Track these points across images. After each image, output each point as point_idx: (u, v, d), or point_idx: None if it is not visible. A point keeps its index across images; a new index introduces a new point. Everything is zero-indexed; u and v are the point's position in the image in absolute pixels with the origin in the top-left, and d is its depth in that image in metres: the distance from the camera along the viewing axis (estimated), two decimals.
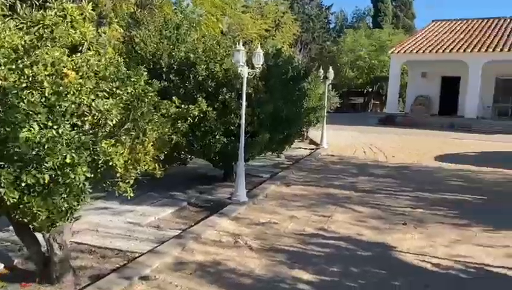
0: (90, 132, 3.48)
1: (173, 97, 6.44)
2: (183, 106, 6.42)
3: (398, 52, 21.59)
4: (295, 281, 3.86)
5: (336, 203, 6.50)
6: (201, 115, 6.40)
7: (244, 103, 6.26)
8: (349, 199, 6.88)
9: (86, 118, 3.32)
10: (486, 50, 19.30)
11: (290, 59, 7.76)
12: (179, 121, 6.42)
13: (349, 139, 15.21)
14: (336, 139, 14.71)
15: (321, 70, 12.38)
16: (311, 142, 14.03)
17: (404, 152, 12.16)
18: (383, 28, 34.06)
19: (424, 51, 20.74)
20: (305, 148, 12.69)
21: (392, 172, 9.28)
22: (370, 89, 36.77)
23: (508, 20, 23.26)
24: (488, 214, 6.15)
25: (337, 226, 5.41)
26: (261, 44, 8.18)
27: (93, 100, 3.35)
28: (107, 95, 3.54)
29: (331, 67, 12.69)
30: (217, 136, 6.52)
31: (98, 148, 3.34)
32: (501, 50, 18.99)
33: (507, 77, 21.45)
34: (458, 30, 23.29)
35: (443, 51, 20.22)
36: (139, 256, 4.34)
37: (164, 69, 6.75)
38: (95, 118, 3.38)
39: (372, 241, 4.89)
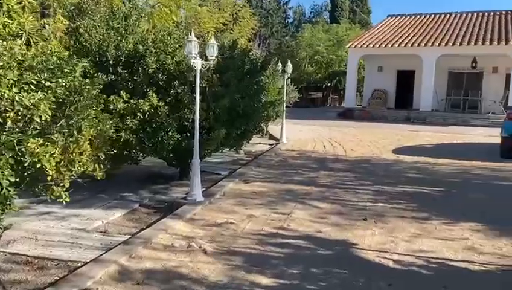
0: (17, 130, 3.05)
1: (121, 92, 6.04)
2: (132, 100, 6.01)
3: (355, 46, 21.81)
4: (253, 287, 3.59)
5: (296, 200, 6.30)
6: (152, 110, 6.01)
7: (197, 97, 5.91)
8: (309, 194, 6.70)
9: (7, 115, 2.88)
10: (439, 44, 19.83)
11: (246, 52, 7.46)
12: (128, 117, 6.00)
13: (309, 133, 15.15)
14: (295, 134, 14.60)
15: (279, 64, 12.17)
16: (271, 137, 13.83)
17: (363, 145, 12.20)
18: (340, 23, 34.48)
19: (380, 45, 21.05)
20: (265, 144, 12.47)
21: (352, 166, 9.21)
22: (329, 84, 37.14)
23: (459, 15, 24.06)
24: (447, 206, 6.14)
25: (297, 224, 5.19)
26: (216, 36, 7.85)
27: (16, 93, 2.92)
28: (34, 88, 3.11)
29: (289, 61, 12.51)
30: (170, 133, 6.14)
31: (24, 149, 2.92)
32: (453, 44, 19.56)
33: (459, 71, 22.18)
34: (412, 25, 23.83)
35: (398, 45, 20.60)
36: (82, 266, 3.93)
37: (111, 62, 6.27)
38: (20, 114, 2.95)
39: (333, 239, 4.70)
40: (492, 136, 14.76)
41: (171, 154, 6.71)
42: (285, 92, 12.46)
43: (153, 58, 6.19)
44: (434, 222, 5.34)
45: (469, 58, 20.76)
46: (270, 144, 12.43)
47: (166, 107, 6.05)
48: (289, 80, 14.59)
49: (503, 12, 23.13)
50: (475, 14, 23.72)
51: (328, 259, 4.20)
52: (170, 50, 6.42)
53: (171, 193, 6.79)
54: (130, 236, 4.81)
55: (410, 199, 6.49)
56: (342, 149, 11.50)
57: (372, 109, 22.14)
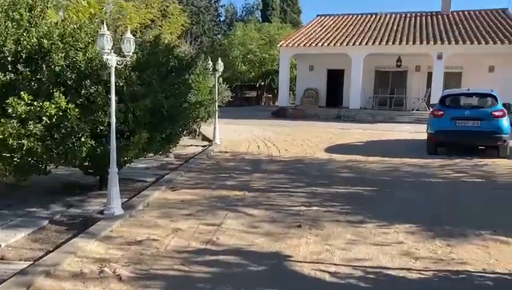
0: None
1: (22, 93, 5.24)
2: (35, 103, 5.23)
3: (287, 45, 21.85)
4: None
5: (228, 208, 5.86)
6: (60, 114, 5.26)
7: (113, 98, 5.26)
8: (242, 200, 6.30)
9: None
10: (366, 44, 20.41)
11: (170, 48, 6.87)
12: (31, 122, 5.22)
13: (243, 133, 14.81)
14: (229, 134, 14.19)
15: (210, 62, 11.67)
16: (204, 138, 13.30)
17: (296, 145, 12.07)
18: (272, 22, 34.62)
19: (310, 45, 21.26)
20: (197, 146, 11.92)
21: (286, 167, 8.97)
22: (262, 83, 37.24)
23: (384, 16, 25.02)
24: (380, 207, 6.03)
25: (227, 236, 4.75)
26: (142, 32, 7.18)
27: None
28: None
29: (220, 59, 12.06)
30: (83, 139, 5.42)
31: None
32: (379, 43, 20.23)
33: (385, 69, 23.04)
34: (341, 25, 24.40)
35: (328, 45, 20.93)
36: None
37: (9, 58, 5.42)
38: None
39: (266, 252, 4.32)
40: (418, 132, 15.36)
41: (87, 163, 5.98)
42: (217, 91, 12.00)
43: (60, 55, 5.43)
44: (369, 226, 5.16)
45: (394, 57, 21.61)
46: (202, 146, 11.89)
47: (77, 110, 5.32)
48: (221, 78, 14.13)
49: (427, 14, 24.40)
50: (399, 15, 24.81)
51: (261, 276, 3.80)
52: (81, 45, 5.69)
53: (87, 206, 6.06)
54: (31, 262, 4.09)
55: (344, 201, 6.31)
56: (276, 149, 11.26)
57: (304, 108, 22.33)
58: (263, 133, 14.94)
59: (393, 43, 20.01)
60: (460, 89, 12.99)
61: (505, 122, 9.64)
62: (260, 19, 40.06)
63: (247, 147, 11.68)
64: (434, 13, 24.55)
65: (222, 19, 42.54)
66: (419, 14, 24.82)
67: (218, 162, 9.52)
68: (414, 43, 19.61)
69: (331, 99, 24.03)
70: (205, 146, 11.88)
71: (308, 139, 13.21)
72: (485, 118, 9.71)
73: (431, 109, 11.03)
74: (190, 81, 7.58)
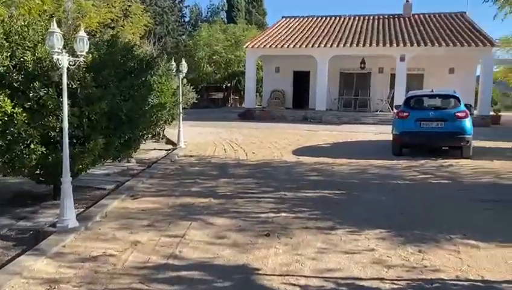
0: None
1: None
2: None
3: (252, 46, 21.69)
4: None
5: (192, 217, 5.55)
6: (6, 119, 4.80)
7: (65, 101, 4.85)
8: (208, 208, 6.00)
9: None
10: (331, 46, 20.53)
11: (129, 47, 6.49)
12: None
13: (210, 136, 14.49)
14: (195, 137, 13.84)
15: (173, 63, 11.28)
16: (169, 141, 12.90)
17: (264, 147, 11.86)
18: (237, 23, 34.39)
19: (276, 46, 21.18)
20: (161, 149, 11.50)
21: (253, 171, 8.73)
22: (229, 84, 36.95)
23: (348, 18, 25.30)
24: (350, 212, 5.89)
25: (191, 248, 4.45)
26: (102, 32, 6.75)
27: None
28: None
29: (183, 60, 11.69)
30: (32, 146, 4.98)
31: None
32: (344, 45, 20.38)
33: (349, 71, 23.29)
34: (306, 26, 24.48)
35: (293, 46, 20.91)
36: None
37: None
38: None
39: (233, 265, 4.05)
40: (382, 133, 15.53)
41: (38, 171, 5.53)
42: (181, 92, 11.61)
43: (5, 54, 4.97)
44: (339, 232, 4.99)
45: (358, 59, 21.88)
46: (166, 150, 11.49)
47: (25, 114, 4.88)
48: (185, 80, 13.76)
49: (389, 17, 24.85)
50: (363, 18, 25.14)
51: None
52: (30, 44, 5.23)
53: (39, 218, 5.61)
54: None
55: (313, 206, 6.14)
56: (243, 152, 11.01)
57: (271, 109, 22.24)
58: (230, 135, 14.66)
59: (357, 45, 20.22)
60: (424, 91, 13.18)
61: (467, 123, 9.79)
62: (225, 20, 39.75)
63: (214, 150, 11.38)
64: (396, 16, 25.05)
65: (187, 19, 41.95)
66: (381, 16, 25.25)
67: (182, 166, 9.16)
68: (377, 45, 19.89)
69: (298, 100, 24.07)
70: (169, 150, 11.48)
71: (276, 142, 13.05)
72: (448, 119, 9.83)
73: (395, 110, 11.06)
74: (151, 83, 7.19)
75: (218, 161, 9.87)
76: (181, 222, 5.33)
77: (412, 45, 19.44)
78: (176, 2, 38.18)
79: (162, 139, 13.33)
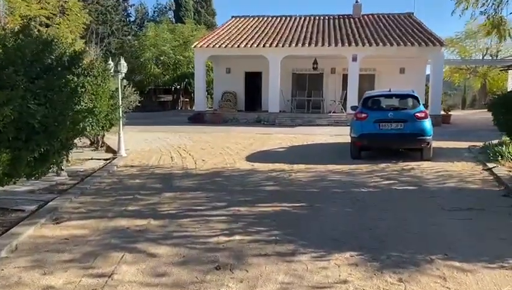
0: None
1: None
2: None
3: (201, 46, 20.65)
4: None
5: (125, 246, 4.55)
6: None
7: None
8: (146, 232, 5.01)
9: None
10: (283, 45, 19.92)
11: (47, 41, 5.36)
12: None
13: (156, 142, 13.35)
14: (139, 144, 12.67)
15: (110, 62, 10.10)
16: (109, 150, 11.63)
17: (215, 154, 10.93)
18: (185, 23, 33.14)
19: (226, 46, 20.27)
20: (99, 159, 10.25)
21: (203, 182, 7.80)
22: (178, 86, 35.58)
23: (299, 18, 24.89)
24: (313, 230, 5.11)
25: None
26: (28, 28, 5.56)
27: None
28: None
29: (122, 59, 10.51)
30: None
31: None
32: (296, 45, 19.85)
33: (302, 72, 22.84)
34: (257, 26, 23.79)
35: (245, 46, 20.10)
36: None
37: None
38: None
39: None
40: (338, 135, 15.09)
41: None
42: (120, 95, 10.43)
43: None
44: (303, 258, 4.19)
45: (310, 60, 21.44)
46: (105, 159, 10.26)
47: None
48: (129, 81, 12.56)
49: (339, 17, 24.68)
50: (313, 18, 24.82)
51: None
52: None
53: None
54: None
55: (271, 224, 5.31)
56: (192, 160, 10.02)
57: (223, 112, 21.31)
58: (178, 141, 13.60)
59: (309, 45, 19.75)
60: (381, 91, 12.77)
61: (427, 123, 9.39)
62: (173, 20, 38.33)
63: (159, 158, 10.30)
64: (346, 16, 24.94)
65: (132, 19, 40.07)
66: (332, 16, 25.05)
67: (121, 179, 8.05)
68: (329, 45, 19.52)
69: (250, 102, 23.32)
70: (109, 159, 10.27)
71: (228, 147, 12.16)
72: (408, 120, 9.39)
73: (352, 112, 10.50)
74: (78, 84, 6.06)
75: (163, 171, 8.83)
76: (111, 254, 4.32)
77: (363, 44, 19.23)
78: (121, 0, 36.28)
79: (101, 147, 12.05)
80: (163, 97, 37.57)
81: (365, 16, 24.77)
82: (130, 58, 31.76)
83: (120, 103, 10.36)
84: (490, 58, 32.49)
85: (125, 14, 38.38)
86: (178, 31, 31.35)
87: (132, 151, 11.28)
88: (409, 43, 18.87)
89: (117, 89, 10.36)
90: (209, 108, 26.06)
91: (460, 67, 31.83)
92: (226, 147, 12.10)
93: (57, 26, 18.09)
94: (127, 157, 10.32)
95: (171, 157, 10.46)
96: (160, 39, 30.01)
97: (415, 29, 21.35)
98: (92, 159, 10.37)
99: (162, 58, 29.60)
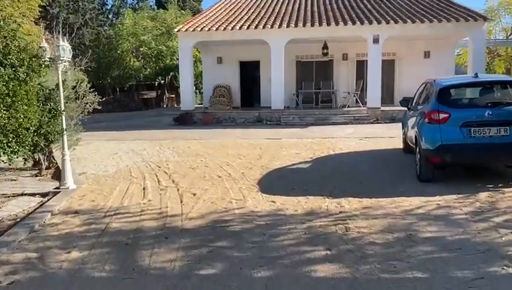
0: None
1: None
2: None
3: (186, 30, 16.89)
4: None
5: None
6: None
7: None
8: None
9: None
10: (287, 26, 16.27)
11: None
12: None
13: (128, 158, 9.72)
14: (103, 162, 9.09)
15: (43, 45, 6.39)
16: (59, 173, 7.88)
17: (210, 179, 7.34)
18: (168, 10, 29.29)
19: (217, 29, 16.56)
20: (34, 195, 6.64)
21: (194, 254, 4.21)
22: (162, 81, 31.82)
23: None
24: None
25: None
26: None
27: None
28: None
29: (66, 41, 6.76)
30: None
31: None
32: (304, 25, 16.21)
33: (307, 59, 19.31)
34: (253, 6, 20.14)
35: (240, 28, 16.42)
36: None
37: None
38: None
39: None
40: (368, 137, 11.63)
41: None
42: (61, 94, 6.71)
43: None
44: None
45: (318, 45, 17.91)
46: (43, 195, 6.62)
47: None
48: (69, 72, 8.87)
49: None
50: None
51: None
52: None
53: None
54: None
55: None
56: (177, 194, 6.41)
57: (216, 110, 17.68)
58: (158, 154, 9.99)
59: (319, 24, 16.12)
60: (465, 77, 9.00)
61: None
62: (155, 7, 34.36)
63: (125, 191, 6.65)
64: None
65: (108, 7, 35.91)
66: None
67: (43, 254, 4.37)
68: (346, 24, 15.91)
69: (247, 98, 19.79)
70: (47, 194, 6.63)
71: (228, 163, 8.59)
72: None
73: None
74: None
75: (127, 224, 5.19)
76: None
77: (387, 22, 15.67)
78: None
79: (47, 170, 8.38)
80: (146, 94, 33.82)
81: None
82: (106, 50, 27.91)
83: (62, 106, 6.67)
84: None
85: (101, 2, 34.28)
86: (160, 18, 27.55)
87: (89, 178, 7.66)
88: (444, 19, 15.34)
89: (57, 86, 6.68)
90: (199, 105, 22.46)
91: None
92: (225, 164, 8.52)
93: (3, 7, 14.18)
94: (76, 192, 6.67)
95: (144, 188, 6.81)
96: (140, 28, 26.18)
97: (441, 4, 17.86)
98: (22, 194, 6.72)
99: (142, 49, 25.76)
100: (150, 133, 14.37)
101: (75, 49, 25.64)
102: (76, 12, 29.65)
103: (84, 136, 12.18)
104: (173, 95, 32.62)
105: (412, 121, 7.99)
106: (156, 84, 32.51)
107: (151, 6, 34.43)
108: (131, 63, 26.28)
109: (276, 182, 7.01)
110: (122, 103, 27.71)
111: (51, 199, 6.41)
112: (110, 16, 34.63)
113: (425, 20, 15.41)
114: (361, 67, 18.51)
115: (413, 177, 6.86)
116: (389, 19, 15.89)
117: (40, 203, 6.20)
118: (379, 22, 15.64)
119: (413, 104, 8.35)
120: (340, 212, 5.28)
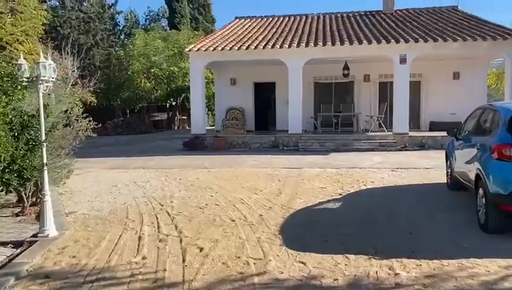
0: None
1: None
2: None
3: (198, 50, 15.86)
4: None
5: None
6: None
7: None
8: None
9: None
10: (306, 45, 15.13)
11: None
12: None
13: (126, 191, 8.50)
14: (98, 197, 7.87)
15: (21, 62, 5.26)
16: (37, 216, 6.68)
17: (222, 224, 6.02)
18: (181, 30, 28.59)
19: (231, 48, 15.50)
20: (6, 244, 5.39)
21: None
22: (174, 102, 30.95)
23: (316, 17, 20.28)
24: None
25: None
26: None
27: None
28: None
29: (43, 55, 5.60)
30: None
31: None
32: (324, 44, 15.05)
33: (326, 81, 18.13)
34: (268, 26, 19.17)
35: (255, 48, 15.32)
36: None
37: None
38: None
39: None
40: (400, 168, 10.28)
41: None
42: (42, 120, 5.51)
43: None
44: None
45: (337, 65, 16.72)
46: (17, 245, 5.38)
47: None
48: (76, 97, 7.76)
49: (367, 13, 20.13)
50: (335, 16, 20.22)
51: None
52: None
53: None
54: None
55: None
56: (179, 248, 5.09)
57: (228, 135, 16.47)
58: (162, 188, 8.74)
59: (341, 44, 14.95)
60: None
61: None
62: (167, 28, 33.79)
63: (115, 243, 5.36)
64: (374, 12, 20.36)
65: (121, 28, 35.48)
66: (357, 13, 20.48)
67: None
68: (370, 43, 14.72)
69: (262, 121, 18.61)
70: (23, 244, 5.38)
71: (242, 201, 7.29)
72: None
73: (496, 145, 5.47)
74: None
75: None
76: None
77: (416, 41, 14.43)
78: (106, 7, 31.77)
79: (36, 205, 7.18)
80: (158, 116, 33.01)
81: (399, 11, 20.18)
82: (116, 71, 27.21)
83: (43, 137, 5.48)
84: None
85: (113, 23, 33.86)
86: (172, 38, 26.76)
87: (77, 220, 6.42)
88: (479, 38, 14.03)
89: (38, 111, 5.50)
90: (211, 126, 21.36)
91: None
92: (239, 202, 7.23)
93: (1, 25, 13.32)
94: (57, 242, 5.40)
95: (140, 237, 5.52)
96: (151, 48, 25.39)
97: (472, 22, 16.63)
98: None
99: (152, 70, 24.89)
100: (156, 160, 13.19)
101: (85, 69, 25.01)
102: (88, 32, 29.14)
103: (85, 163, 11.08)
104: (185, 117, 31.69)
105: (462, 154, 6.67)
106: (168, 106, 31.64)
107: (163, 27, 33.86)
108: (142, 84, 25.41)
109: (302, 230, 5.67)
110: (131, 126, 26.83)
111: (24, 250, 5.17)
112: (121, 37, 34.19)
113: (459, 38, 14.13)
114: (384, 89, 17.27)
115: (474, 225, 5.49)
116: (417, 37, 14.66)
117: (9, 258, 4.95)
118: (407, 41, 14.40)
119: (463, 133, 7.03)
120: (397, 284, 3.91)
